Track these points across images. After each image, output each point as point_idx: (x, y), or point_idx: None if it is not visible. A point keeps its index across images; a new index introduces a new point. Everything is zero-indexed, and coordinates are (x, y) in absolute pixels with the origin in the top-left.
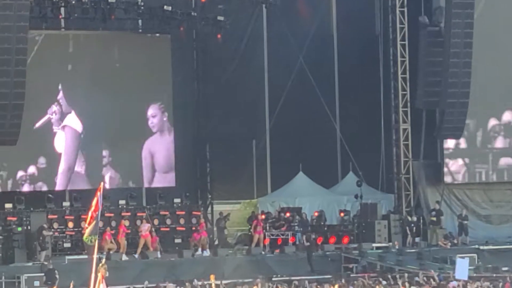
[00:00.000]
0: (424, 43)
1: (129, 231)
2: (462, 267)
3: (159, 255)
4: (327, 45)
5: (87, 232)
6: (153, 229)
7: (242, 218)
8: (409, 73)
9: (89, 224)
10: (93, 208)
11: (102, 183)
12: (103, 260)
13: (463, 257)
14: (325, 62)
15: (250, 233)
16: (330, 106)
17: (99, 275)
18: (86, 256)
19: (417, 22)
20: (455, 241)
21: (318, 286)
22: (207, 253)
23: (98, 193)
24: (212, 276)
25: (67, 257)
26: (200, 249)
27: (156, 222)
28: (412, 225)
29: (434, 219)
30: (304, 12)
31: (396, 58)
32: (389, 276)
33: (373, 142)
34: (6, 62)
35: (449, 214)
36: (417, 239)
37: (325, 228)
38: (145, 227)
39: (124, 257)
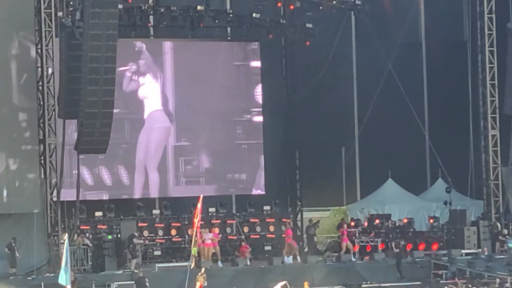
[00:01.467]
0: None
1: (219, 238)
2: None
3: (248, 263)
4: (415, 52)
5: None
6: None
7: (332, 225)
8: (498, 79)
9: (199, 237)
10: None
11: (201, 195)
12: (203, 270)
13: None
14: (414, 69)
15: (339, 240)
16: (419, 113)
17: (198, 283)
18: (176, 264)
19: (506, 28)
20: None
21: None
22: (289, 260)
23: (199, 205)
24: (306, 283)
25: (157, 264)
26: (286, 256)
27: (246, 229)
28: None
29: None
30: (392, 19)
31: (484, 65)
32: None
33: (462, 149)
34: (96, 71)
35: None
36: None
37: (415, 235)
38: (208, 236)
39: (220, 264)
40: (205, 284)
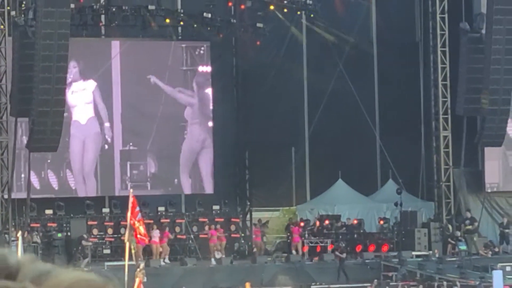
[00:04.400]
0: (464, 50)
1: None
2: (498, 279)
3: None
4: (367, 52)
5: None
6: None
7: (281, 226)
8: (450, 80)
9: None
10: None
11: (131, 190)
12: (141, 265)
13: (497, 270)
14: (365, 69)
15: (288, 241)
16: (370, 113)
17: (137, 280)
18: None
19: (458, 28)
20: (496, 250)
21: None
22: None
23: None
24: (247, 284)
25: (106, 263)
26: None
27: (195, 229)
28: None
29: (470, 227)
30: (344, 19)
31: (436, 65)
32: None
33: (413, 150)
34: (48, 69)
35: (490, 222)
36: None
37: (364, 236)
38: (156, 234)
39: (167, 261)
40: (145, 279)
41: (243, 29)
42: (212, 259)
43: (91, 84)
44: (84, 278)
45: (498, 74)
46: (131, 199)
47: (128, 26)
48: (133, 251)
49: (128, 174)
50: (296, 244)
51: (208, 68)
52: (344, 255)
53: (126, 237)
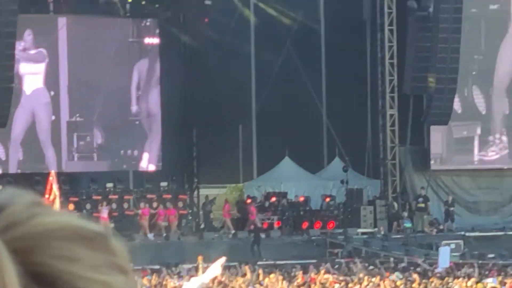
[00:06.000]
0: (412, 28)
1: (116, 214)
2: (444, 255)
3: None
4: (314, 30)
5: None
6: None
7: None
8: (397, 59)
9: None
10: (49, 197)
11: (52, 171)
12: None
13: (445, 246)
14: (312, 47)
15: (235, 218)
16: (317, 91)
17: None
18: None
19: (406, 7)
20: (441, 227)
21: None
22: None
23: (51, 181)
24: (199, 258)
25: None
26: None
27: (142, 205)
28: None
29: (422, 205)
30: None
31: (383, 44)
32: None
33: (360, 128)
34: None
35: (436, 200)
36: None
37: (311, 213)
38: (105, 210)
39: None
40: None
41: (192, 6)
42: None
43: (41, 55)
44: (71, 224)
45: (445, 53)
46: (51, 179)
47: (76, 2)
48: None
49: (75, 145)
50: (253, 221)
51: (155, 40)
52: (259, 229)
53: None
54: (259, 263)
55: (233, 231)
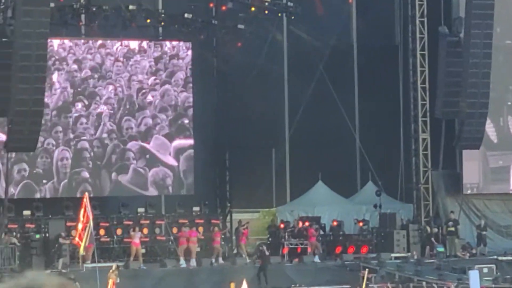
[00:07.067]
0: (443, 53)
1: (147, 239)
2: (474, 279)
3: (143, 267)
4: (347, 55)
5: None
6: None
7: (261, 227)
8: (429, 83)
9: (80, 238)
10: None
11: (86, 194)
12: (114, 266)
13: (474, 270)
14: (345, 72)
15: (268, 242)
16: (350, 115)
17: (110, 281)
18: (104, 264)
19: (437, 32)
20: (474, 252)
21: None
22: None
23: (85, 203)
24: (232, 284)
25: (85, 265)
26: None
27: (175, 230)
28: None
29: (453, 229)
30: (324, 22)
31: (415, 68)
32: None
33: (393, 152)
34: (26, 69)
35: (468, 224)
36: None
37: (344, 238)
38: (137, 236)
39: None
40: (118, 281)
41: (224, 30)
42: (193, 260)
43: None
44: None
45: (476, 77)
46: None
47: (109, 26)
48: (81, 253)
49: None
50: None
51: (189, 64)
52: (267, 256)
53: (83, 240)
54: None
55: (246, 257)
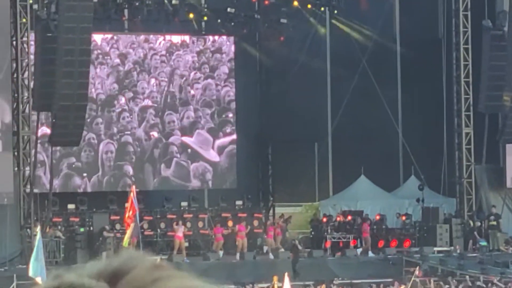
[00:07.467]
0: (487, 47)
1: (191, 233)
2: None
3: (186, 260)
4: (390, 49)
5: (126, 237)
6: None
7: (304, 221)
8: (472, 77)
9: (127, 228)
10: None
11: (133, 186)
12: (157, 260)
13: None
14: (388, 66)
15: (311, 236)
16: (393, 109)
17: None
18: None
19: (481, 25)
20: None
21: None
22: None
23: (132, 196)
24: (275, 278)
25: None
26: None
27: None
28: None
29: (494, 223)
30: (367, 15)
31: (459, 62)
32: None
33: (436, 146)
34: (70, 64)
35: (511, 218)
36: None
37: (387, 232)
38: (181, 229)
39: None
40: None
41: (267, 25)
42: (238, 254)
43: None
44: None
45: None
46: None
47: (152, 20)
48: (125, 246)
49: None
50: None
51: (230, 58)
52: (299, 250)
53: (127, 233)
54: (335, 282)
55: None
